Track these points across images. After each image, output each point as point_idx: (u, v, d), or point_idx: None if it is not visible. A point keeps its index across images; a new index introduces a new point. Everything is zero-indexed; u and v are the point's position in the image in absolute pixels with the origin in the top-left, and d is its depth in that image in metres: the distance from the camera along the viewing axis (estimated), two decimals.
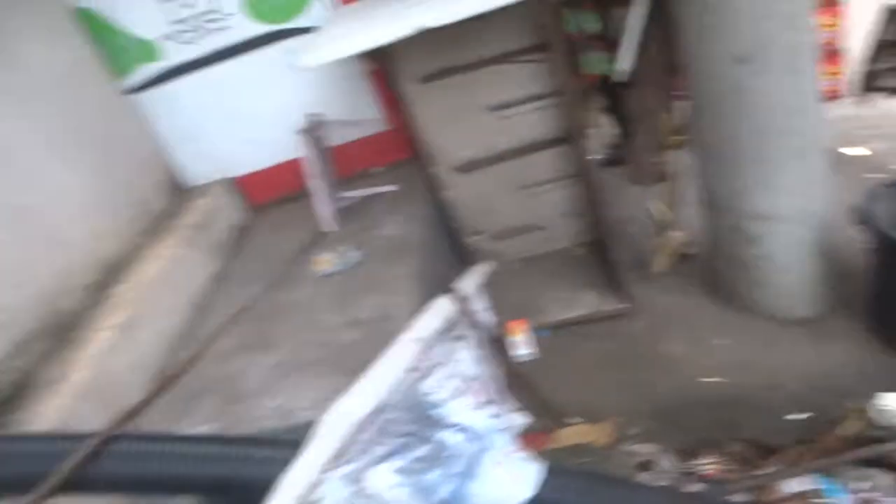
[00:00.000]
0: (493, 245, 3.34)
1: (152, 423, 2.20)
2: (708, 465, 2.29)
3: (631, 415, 2.51)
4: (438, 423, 1.97)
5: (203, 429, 2.08)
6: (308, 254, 3.03)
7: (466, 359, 2.19)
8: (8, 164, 2.47)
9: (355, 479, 1.71)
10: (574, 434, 2.43)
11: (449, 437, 1.91)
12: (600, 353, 2.89)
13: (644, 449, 2.26)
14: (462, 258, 3.35)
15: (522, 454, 2.01)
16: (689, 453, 2.34)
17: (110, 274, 2.79)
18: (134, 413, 1.88)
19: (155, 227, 3.22)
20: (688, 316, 2.94)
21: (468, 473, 1.87)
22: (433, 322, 2.17)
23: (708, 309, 2.95)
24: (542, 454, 2.08)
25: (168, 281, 2.80)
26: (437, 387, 2.08)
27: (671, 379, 2.66)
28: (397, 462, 1.80)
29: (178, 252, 2.96)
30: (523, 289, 3.23)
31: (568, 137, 2.97)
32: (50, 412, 1.99)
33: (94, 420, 2.08)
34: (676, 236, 3.15)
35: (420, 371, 2.07)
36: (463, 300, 2.14)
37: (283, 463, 1.79)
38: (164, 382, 1.96)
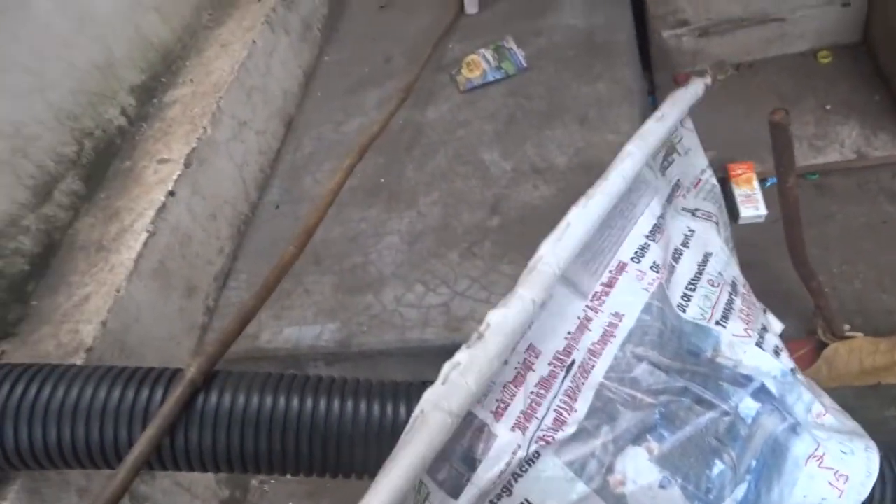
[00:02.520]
0: (698, 44, 2.28)
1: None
2: None
3: None
4: (716, 373, 1.19)
5: (318, 332, 1.36)
6: (440, 50, 2.07)
7: (716, 244, 1.33)
8: None
9: (596, 469, 0.97)
10: (858, 351, 1.59)
11: (743, 402, 1.13)
12: (872, 221, 1.93)
13: None
14: (648, 63, 2.33)
15: (846, 426, 1.25)
16: None
17: (162, 70, 1.93)
18: (226, 344, 1.11)
19: (221, 1, 2.28)
20: None
21: (769, 469, 1.11)
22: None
23: None
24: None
25: (245, 82, 1.93)
26: (689, 296, 1.27)
27: None
28: (662, 443, 1.04)
29: (260, 39, 2.05)
30: (739, 114, 2.20)
31: None
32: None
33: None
34: None
35: (662, 267, 1.24)
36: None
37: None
38: (274, 276, 1.15)
